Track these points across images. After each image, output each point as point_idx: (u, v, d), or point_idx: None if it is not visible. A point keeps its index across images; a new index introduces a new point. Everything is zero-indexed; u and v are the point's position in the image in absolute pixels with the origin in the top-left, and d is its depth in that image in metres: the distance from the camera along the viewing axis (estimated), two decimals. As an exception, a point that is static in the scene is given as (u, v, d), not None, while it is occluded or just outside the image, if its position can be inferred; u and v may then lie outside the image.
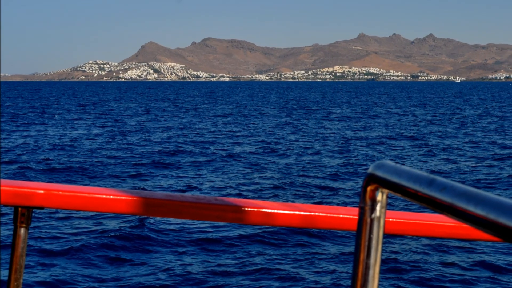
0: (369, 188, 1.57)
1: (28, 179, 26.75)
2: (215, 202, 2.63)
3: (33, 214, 2.60)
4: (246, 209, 2.63)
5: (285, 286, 13.72)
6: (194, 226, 18.20)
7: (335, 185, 26.16)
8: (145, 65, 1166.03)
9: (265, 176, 28.49)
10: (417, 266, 15.14)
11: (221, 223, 17.62)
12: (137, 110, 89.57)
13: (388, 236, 15.78)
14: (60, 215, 19.25)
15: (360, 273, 1.57)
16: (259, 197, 23.31)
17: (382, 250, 1.58)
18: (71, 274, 14.21)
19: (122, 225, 18.35)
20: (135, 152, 37.16)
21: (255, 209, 2.64)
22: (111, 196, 2.58)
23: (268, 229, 17.66)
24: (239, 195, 23.91)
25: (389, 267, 14.99)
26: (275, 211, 2.66)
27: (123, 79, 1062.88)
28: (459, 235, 2.78)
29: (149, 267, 14.89)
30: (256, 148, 39.43)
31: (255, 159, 34.40)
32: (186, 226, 18.18)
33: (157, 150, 37.97)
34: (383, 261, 14.73)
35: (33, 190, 2.53)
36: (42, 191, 2.53)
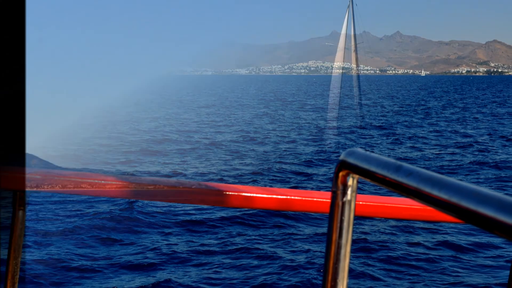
0: (340, 174, 1.57)
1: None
2: (198, 187, 2.62)
3: (31, 198, 2.59)
4: (227, 193, 2.63)
5: (263, 264, 13.74)
6: (179, 209, 18.18)
7: (309, 171, 26.18)
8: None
9: (245, 162, 28.47)
10: (385, 246, 15.20)
11: (204, 206, 17.62)
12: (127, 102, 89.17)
13: (359, 218, 15.82)
14: (56, 198, 19.17)
15: (333, 252, 1.57)
16: (239, 182, 23.30)
17: (353, 231, 1.58)
18: (66, 253, 14.17)
19: (113, 208, 18.30)
20: (125, 140, 37.03)
21: (236, 193, 2.64)
22: (103, 181, 2.57)
23: (248, 212, 17.68)
24: (221, 180, 23.89)
25: (360, 247, 15.04)
26: (254, 195, 2.65)
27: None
28: (424, 217, 2.78)
29: (138, 247, 14.87)
30: (236, 137, 39.39)
31: (235, 147, 34.36)
32: (172, 209, 18.15)
33: (145, 138, 37.87)
34: (354, 241, 14.76)
35: (31, 175, 2.51)
36: (39, 176, 2.51)
